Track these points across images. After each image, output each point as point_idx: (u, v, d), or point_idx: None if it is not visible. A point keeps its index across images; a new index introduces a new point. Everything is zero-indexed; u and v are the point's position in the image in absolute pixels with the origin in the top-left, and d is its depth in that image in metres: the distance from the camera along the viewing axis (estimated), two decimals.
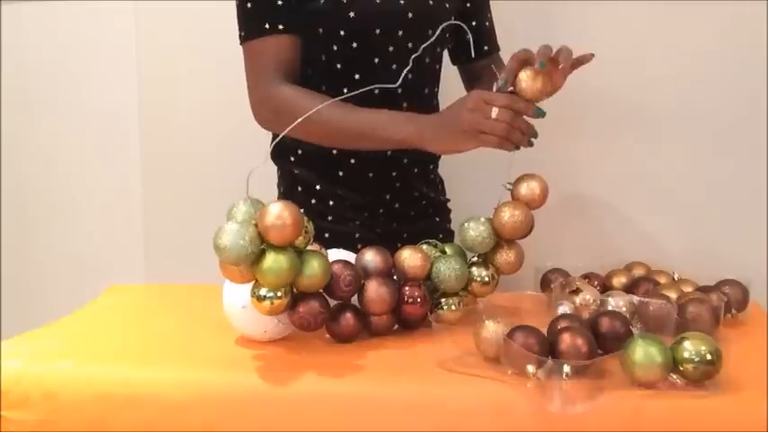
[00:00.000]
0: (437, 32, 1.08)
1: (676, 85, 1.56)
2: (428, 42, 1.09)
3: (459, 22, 1.15)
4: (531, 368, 0.78)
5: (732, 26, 1.51)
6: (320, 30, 1.17)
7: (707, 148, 1.56)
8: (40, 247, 1.97)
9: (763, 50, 1.51)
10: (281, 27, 1.15)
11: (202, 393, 0.83)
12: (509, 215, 1.00)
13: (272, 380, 0.85)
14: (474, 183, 1.37)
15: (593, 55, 1.07)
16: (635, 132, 1.59)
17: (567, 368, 0.78)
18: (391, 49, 1.18)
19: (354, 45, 1.17)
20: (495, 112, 1.01)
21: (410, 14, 1.18)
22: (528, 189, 1.01)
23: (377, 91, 1.15)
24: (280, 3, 1.14)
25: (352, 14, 1.15)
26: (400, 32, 1.18)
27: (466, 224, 1.03)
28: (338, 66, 1.19)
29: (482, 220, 1.02)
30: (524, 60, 1.03)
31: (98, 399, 0.83)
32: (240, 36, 1.18)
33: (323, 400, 0.82)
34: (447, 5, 1.24)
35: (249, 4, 1.15)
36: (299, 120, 0.95)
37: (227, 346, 0.94)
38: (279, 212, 0.83)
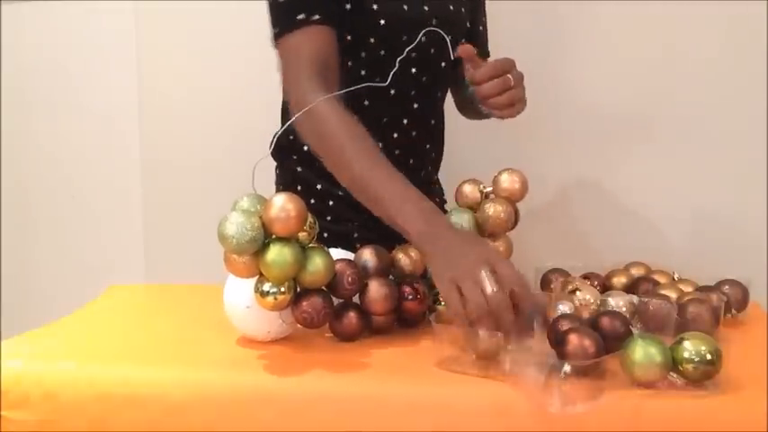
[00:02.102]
0: (417, 39, 1.06)
1: (677, 85, 1.56)
2: (411, 46, 1.07)
3: (436, 28, 1.10)
4: (565, 368, 0.79)
5: (732, 26, 1.52)
6: (349, 37, 1.16)
7: (707, 148, 1.56)
8: (41, 247, 1.97)
9: (764, 50, 1.51)
10: (317, 17, 1.08)
11: (203, 393, 0.83)
12: (493, 210, 1.02)
13: (273, 379, 0.85)
14: None
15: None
16: (635, 132, 1.60)
17: (566, 368, 0.78)
18: (414, 54, 1.17)
19: (382, 53, 1.17)
20: (488, 288, 0.84)
21: (434, 20, 1.18)
22: (509, 182, 1.04)
23: (392, 92, 1.15)
24: None
25: (382, 22, 1.14)
26: (423, 38, 1.17)
27: (448, 214, 1.05)
28: (362, 72, 1.18)
29: (465, 210, 1.04)
30: (501, 72, 1.03)
31: (98, 399, 0.83)
32: (274, 34, 1.11)
33: (323, 399, 0.82)
34: (463, 10, 1.25)
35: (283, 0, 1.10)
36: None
37: (228, 345, 0.94)
38: (283, 204, 0.83)
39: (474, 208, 1.05)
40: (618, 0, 1.54)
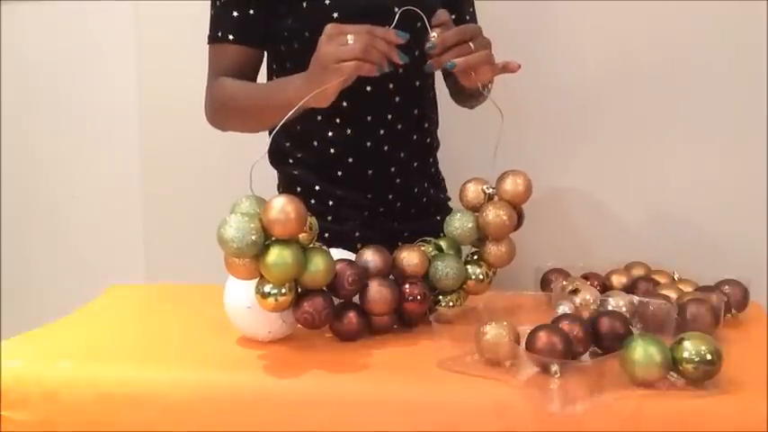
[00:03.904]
0: (395, 19, 1.05)
1: (676, 85, 1.56)
2: (393, 26, 1.06)
3: (414, 8, 1.07)
4: (554, 368, 0.79)
5: (732, 26, 1.52)
6: (306, 33, 1.17)
7: (707, 148, 1.56)
8: (40, 246, 1.97)
9: (764, 50, 1.51)
10: (230, 38, 1.19)
11: (202, 393, 0.83)
12: (493, 214, 1.00)
13: (273, 379, 0.85)
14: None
15: (518, 66, 1.06)
16: (635, 132, 1.60)
17: (555, 367, 0.79)
18: None
19: None
20: (350, 37, 0.98)
21: (396, 9, 1.17)
22: (512, 185, 1.01)
23: (369, 88, 1.17)
24: (235, 14, 1.18)
25: (335, 15, 1.15)
26: (388, 27, 1.16)
27: (451, 217, 1.04)
28: None
29: (467, 213, 1.03)
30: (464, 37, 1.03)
31: (98, 399, 0.83)
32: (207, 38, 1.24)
33: (323, 399, 0.82)
34: None
35: (212, 11, 1.21)
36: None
37: (228, 345, 0.94)
38: (282, 206, 0.83)
39: (477, 209, 1.03)
40: (616, 0, 1.54)
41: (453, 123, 1.40)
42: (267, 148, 1.17)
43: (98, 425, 0.83)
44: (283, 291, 0.86)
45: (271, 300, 0.86)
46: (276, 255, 0.84)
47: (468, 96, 1.28)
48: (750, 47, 1.51)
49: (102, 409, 0.83)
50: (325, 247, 0.92)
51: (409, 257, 0.99)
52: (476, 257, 1.05)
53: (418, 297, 0.96)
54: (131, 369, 0.87)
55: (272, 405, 0.82)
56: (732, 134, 1.55)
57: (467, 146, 1.56)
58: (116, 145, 1.87)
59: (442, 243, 1.05)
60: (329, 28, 1.01)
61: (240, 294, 0.92)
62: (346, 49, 0.98)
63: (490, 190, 1.03)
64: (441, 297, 1.01)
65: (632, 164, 1.60)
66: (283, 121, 0.97)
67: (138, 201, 1.85)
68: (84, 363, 0.89)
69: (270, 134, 1.28)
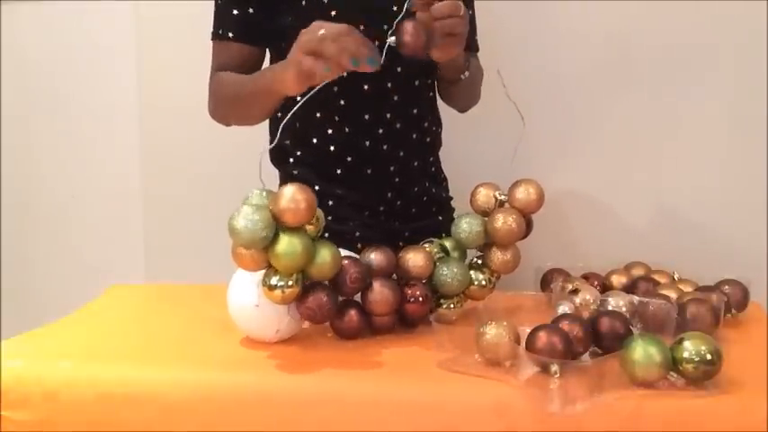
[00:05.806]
0: (402, 12, 1.04)
1: (676, 84, 1.56)
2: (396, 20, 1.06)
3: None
4: (554, 368, 0.79)
5: (732, 26, 1.52)
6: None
7: (707, 148, 1.57)
8: (41, 246, 1.97)
9: (764, 50, 1.51)
10: (230, 35, 1.21)
11: (203, 393, 0.83)
12: (502, 221, 1.00)
13: (273, 379, 0.85)
14: (478, 181, 1.38)
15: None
16: (635, 132, 1.60)
17: (554, 367, 0.79)
18: (377, 44, 1.16)
19: None
20: (321, 32, 0.96)
21: (395, 8, 1.17)
22: (524, 193, 1.01)
23: (366, 86, 1.17)
24: (235, 12, 1.19)
25: (333, 13, 1.14)
26: (385, 26, 1.16)
27: (459, 219, 1.04)
28: None
29: (476, 217, 1.03)
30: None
31: (98, 399, 0.83)
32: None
33: (323, 399, 0.82)
34: None
35: (214, 8, 1.22)
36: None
37: (228, 345, 0.94)
38: (293, 195, 0.84)
39: (487, 213, 1.02)
40: (617, 1, 1.54)
41: (457, 124, 1.40)
42: (269, 144, 1.17)
43: (98, 425, 0.83)
44: (290, 283, 0.86)
45: (278, 292, 0.86)
46: (286, 243, 0.84)
47: (447, 84, 1.26)
48: (750, 47, 1.51)
49: (102, 409, 0.83)
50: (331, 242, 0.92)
51: (415, 259, 0.98)
52: (480, 262, 1.05)
53: (420, 299, 0.96)
54: (131, 369, 0.87)
55: (271, 405, 0.82)
56: (732, 134, 1.55)
57: (470, 147, 1.56)
58: (116, 145, 1.87)
59: (447, 244, 1.04)
60: (313, 23, 1.00)
61: (247, 293, 0.91)
62: (309, 41, 0.97)
63: (502, 196, 1.02)
64: (442, 300, 1.01)
65: (632, 164, 1.60)
66: (280, 121, 0.96)
67: (138, 201, 1.85)
68: (85, 363, 0.89)
69: (270, 133, 1.28)
